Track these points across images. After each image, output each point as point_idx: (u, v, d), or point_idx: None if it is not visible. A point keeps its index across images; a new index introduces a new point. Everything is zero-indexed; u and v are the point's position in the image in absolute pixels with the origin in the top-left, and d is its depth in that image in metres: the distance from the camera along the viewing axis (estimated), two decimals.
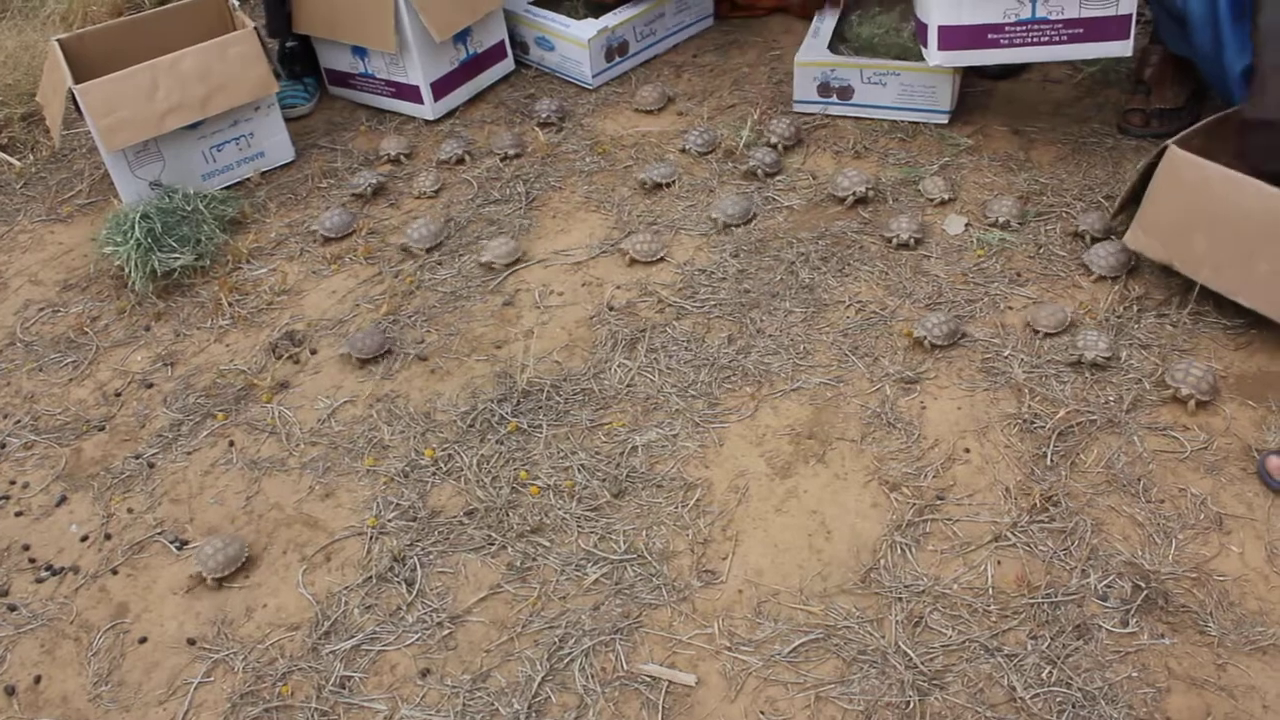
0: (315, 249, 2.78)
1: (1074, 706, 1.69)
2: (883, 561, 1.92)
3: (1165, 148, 2.20)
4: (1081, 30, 2.60)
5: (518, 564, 1.98)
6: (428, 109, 3.19)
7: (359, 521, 2.09)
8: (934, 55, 2.68)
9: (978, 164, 2.79)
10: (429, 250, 2.68)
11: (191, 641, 1.95)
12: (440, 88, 3.19)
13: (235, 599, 2.00)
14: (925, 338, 2.26)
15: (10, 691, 1.92)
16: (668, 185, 2.81)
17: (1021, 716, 1.69)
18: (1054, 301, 2.35)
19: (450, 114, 3.24)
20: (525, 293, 2.55)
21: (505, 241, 2.62)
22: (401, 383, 2.36)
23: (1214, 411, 2.11)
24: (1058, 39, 2.63)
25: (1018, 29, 2.63)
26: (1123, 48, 2.56)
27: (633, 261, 2.56)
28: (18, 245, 2.94)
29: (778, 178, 2.82)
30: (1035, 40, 2.64)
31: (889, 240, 2.54)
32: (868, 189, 2.66)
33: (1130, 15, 2.51)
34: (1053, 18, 2.60)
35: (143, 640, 1.95)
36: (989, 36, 2.66)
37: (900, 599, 1.86)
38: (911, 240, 2.52)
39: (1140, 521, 1.94)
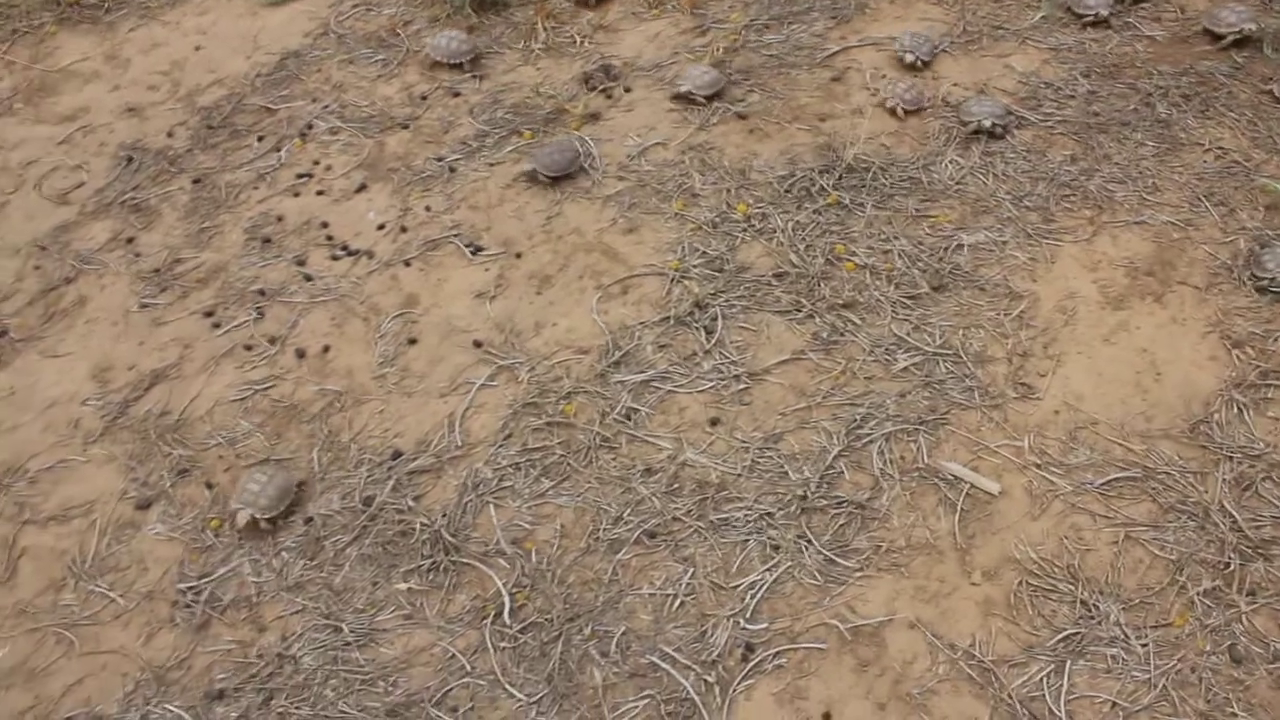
0: None
1: None
2: (1215, 416, 1.76)
3: None
4: None
5: (824, 335, 1.89)
6: None
7: (660, 262, 2.02)
8: None
9: None
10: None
11: (478, 344, 1.93)
12: None
13: (525, 312, 1.97)
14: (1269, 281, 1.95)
15: (300, 354, 1.95)
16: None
17: None
18: None
19: None
20: (855, 72, 2.39)
21: (706, 71, 2.35)
22: (718, 136, 2.26)
23: None
24: None
25: None
26: None
27: (900, 111, 2.28)
28: None
29: (1142, 4, 2.55)
30: None
31: None
32: (1257, 28, 2.38)
33: None
34: None
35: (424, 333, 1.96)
36: None
37: (1231, 458, 1.70)
38: None
39: None
